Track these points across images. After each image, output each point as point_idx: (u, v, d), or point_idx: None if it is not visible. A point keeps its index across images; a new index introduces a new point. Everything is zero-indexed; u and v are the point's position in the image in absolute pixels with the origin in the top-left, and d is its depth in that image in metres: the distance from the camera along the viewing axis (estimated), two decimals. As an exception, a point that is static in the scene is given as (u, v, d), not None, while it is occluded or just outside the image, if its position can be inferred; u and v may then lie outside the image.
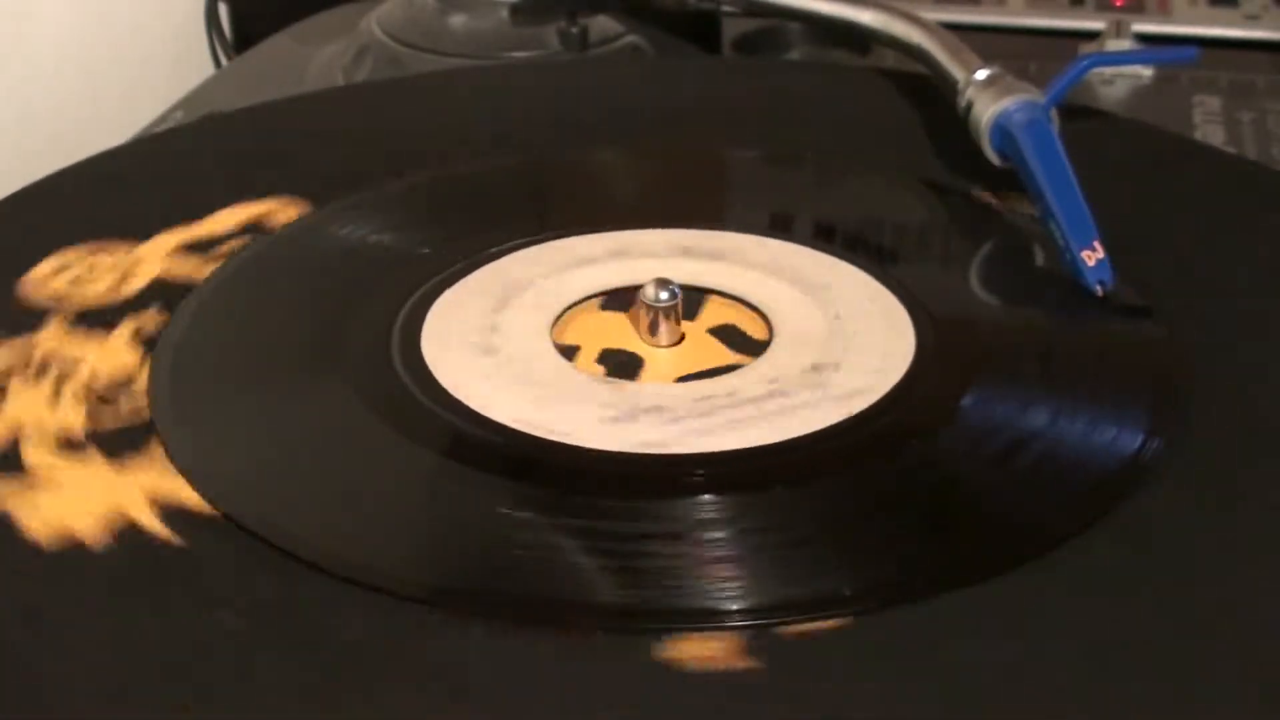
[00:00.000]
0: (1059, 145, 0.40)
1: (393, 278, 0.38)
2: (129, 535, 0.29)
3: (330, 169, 0.44)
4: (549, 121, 0.48)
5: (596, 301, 0.38)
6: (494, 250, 0.40)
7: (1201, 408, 0.33)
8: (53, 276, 0.36)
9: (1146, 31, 0.60)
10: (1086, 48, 0.59)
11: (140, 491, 0.30)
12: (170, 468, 0.30)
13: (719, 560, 0.29)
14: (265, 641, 0.27)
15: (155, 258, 0.37)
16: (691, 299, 0.37)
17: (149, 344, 0.35)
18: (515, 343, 0.36)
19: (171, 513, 0.29)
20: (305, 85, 0.56)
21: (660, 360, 0.36)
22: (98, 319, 0.36)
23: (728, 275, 0.39)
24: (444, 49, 0.56)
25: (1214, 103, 0.55)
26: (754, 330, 0.37)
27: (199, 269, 0.37)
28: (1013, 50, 0.59)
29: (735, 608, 0.27)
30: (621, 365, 0.36)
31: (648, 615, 0.27)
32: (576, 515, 0.30)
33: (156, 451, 0.31)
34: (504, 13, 0.58)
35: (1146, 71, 0.57)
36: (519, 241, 0.40)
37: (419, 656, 0.26)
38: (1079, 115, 0.46)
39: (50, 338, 0.34)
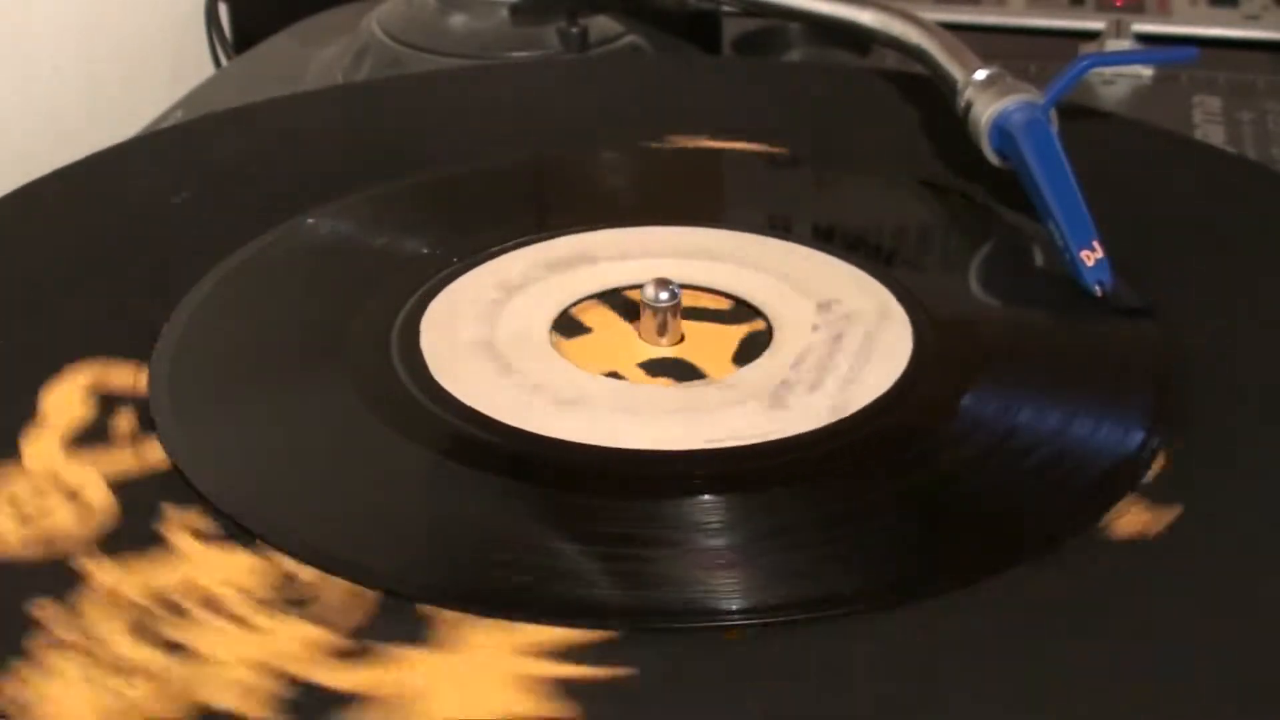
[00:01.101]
0: (1058, 145, 0.40)
1: (393, 278, 0.38)
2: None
3: (329, 169, 0.44)
4: (549, 121, 0.48)
5: (596, 301, 0.38)
6: (494, 250, 0.40)
7: (1201, 408, 0.33)
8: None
9: (1146, 31, 0.60)
10: (1086, 48, 0.59)
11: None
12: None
13: (719, 560, 0.29)
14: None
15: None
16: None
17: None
18: (515, 342, 0.36)
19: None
20: (305, 85, 0.56)
21: (660, 360, 0.36)
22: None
23: (727, 275, 0.39)
24: (444, 49, 0.56)
25: (1214, 103, 0.55)
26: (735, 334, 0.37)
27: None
28: (1013, 50, 0.59)
29: (735, 607, 0.27)
30: (620, 364, 0.36)
31: (648, 615, 0.27)
32: (576, 515, 0.30)
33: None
34: (504, 13, 0.58)
35: (1146, 71, 0.57)
36: (519, 241, 0.40)
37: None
38: (1079, 115, 0.46)
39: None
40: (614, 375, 0.35)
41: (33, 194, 0.42)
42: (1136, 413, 0.32)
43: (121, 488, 0.31)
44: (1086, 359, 0.35)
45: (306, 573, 0.28)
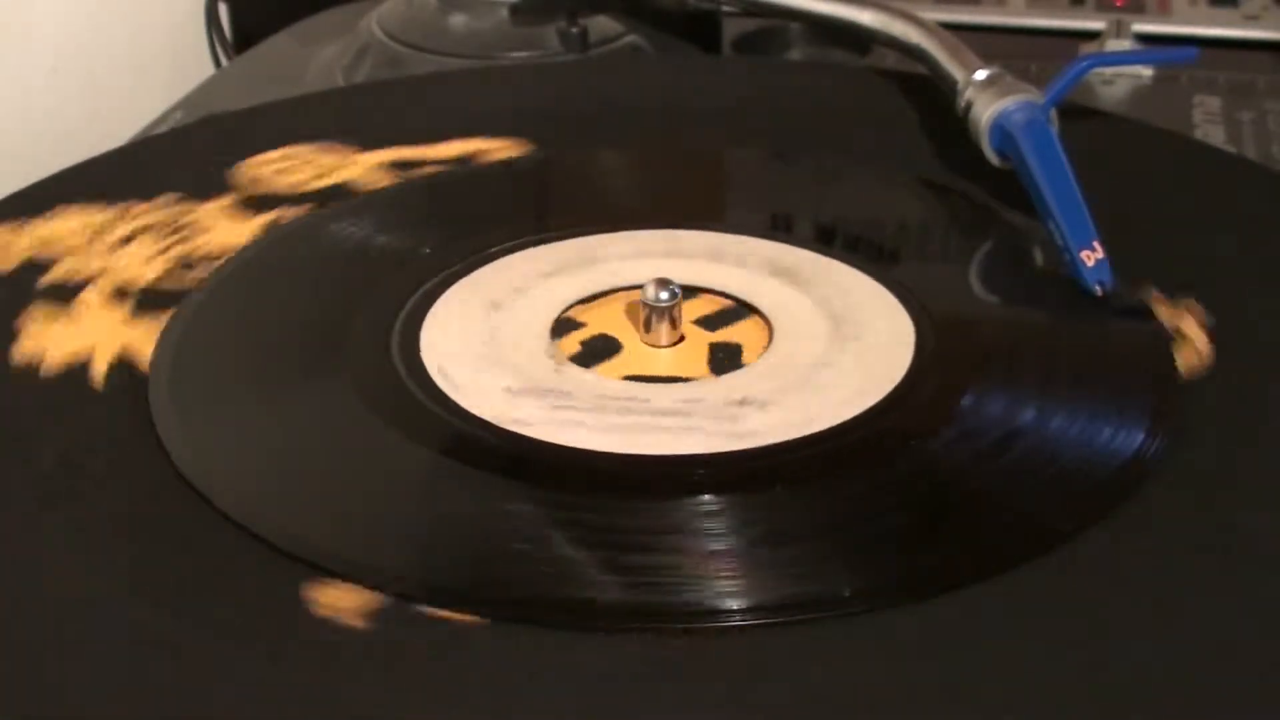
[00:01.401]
0: (1058, 145, 0.40)
1: (393, 278, 0.38)
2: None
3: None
4: (549, 121, 0.48)
5: (596, 301, 0.38)
6: (494, 250, 0.40)
7: (1201, 408, 0.33)
8: (268, 165, 0.38)
9: (1146, 31, 0.60)
10: (1086, 48, 0.60)
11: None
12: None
13: (719, 560, 0.29)
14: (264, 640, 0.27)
15: (361, 166, 0.38)
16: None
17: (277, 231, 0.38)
18: (515, 343, 0.36)
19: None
20: (305, 85, 0.56)
21: (660, 360, 0.36)
22: (264, 204, 0.38)
23: (727, 275, 0.39)
24: (444, 49, 0.56)
25: (1214, 103, 0.55)
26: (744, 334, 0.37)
27: (387, 179, 0.40)
28: (1013, 50, 0.59)
29: (735, 607, 0.27)
30: (621, 365, 0.36)
31: (648, 615, 0.27)
32: (576, 515, 0.30)
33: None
34: (504, 13, 0.58)
35: (1146, 71, 0.57)
36: (519, 241, 0.40)
37: (418, 656, 0.26)
38: (1079, 115, 0.46)
39: (208, 212, 0.37)
40: (614, 375, 0.35)
41: (29, 197, 0.42)
42: (1137, 413, 0.32)
43: None
44: (1086, 359, 0.35)
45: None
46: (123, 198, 0.40)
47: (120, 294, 0.35)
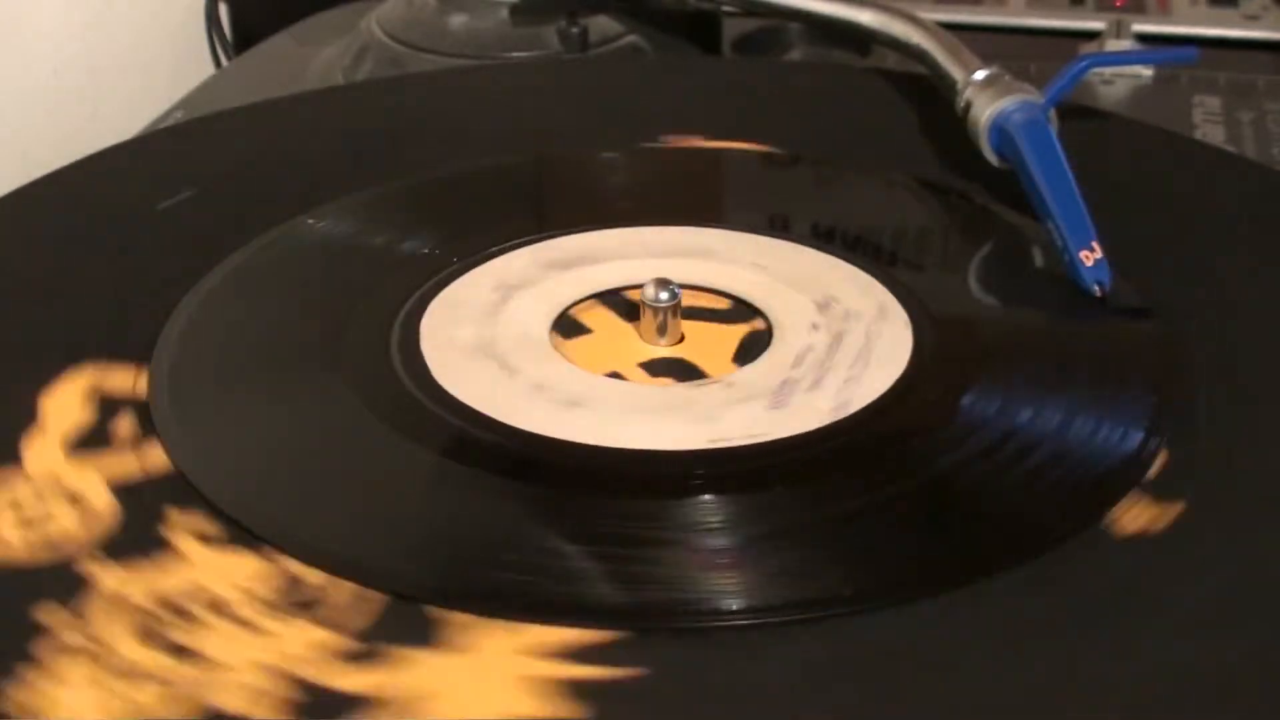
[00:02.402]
0: (1057, 145, 0.40)
1: (393, 278, 0.38)
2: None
3: (329, 168, 0.44)
4: (549, 121, 0.48)
5: (596, 301, 0.38)
6: (494, 250, 0.40)
7: (1201, 408, 0.33)
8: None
9: (1146, 31, 0.60)
10: (1086, 48, 0.60)
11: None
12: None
13: (719, 560, 0.29)
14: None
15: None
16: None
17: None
18: (515, 342, 0.36)
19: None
20: (305, 85, 0.56)
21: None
22: None
23: (727, 275, 0.39)
24: (444, 49, 0.56)
25: (1214, 103, 0.55)
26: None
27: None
28: (1013, 50, 0.59)
29: (735, 607, 0.27)
30: (618, 363, 0.36)
31: (648, 615, 0.27)
32: (576, 515, 0.30)
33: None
34: (504, 13, 0.58)
35: (1146, 71, 0.57)
36: (519, 241, 0.40)
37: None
38: (1079, 115, 0.46)
39: None
40: (615, 375, 0.35)
41: (31, 195, 0.42)
42: (1136, 413, 0.32)
43: (123, 491, 0.31)
44: (1087, 359, 0.35)
45: (313, 575, 0.28)
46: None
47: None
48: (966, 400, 0.33)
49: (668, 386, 0.34)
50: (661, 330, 0.36)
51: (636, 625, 0.27)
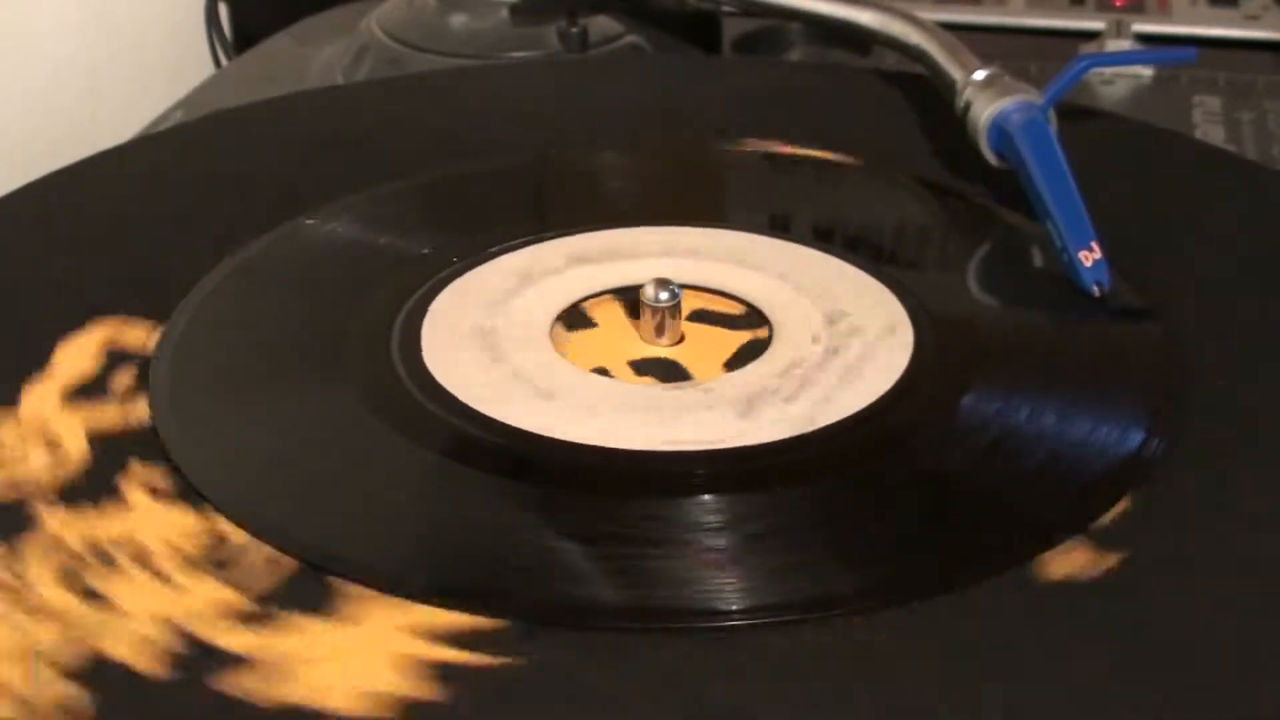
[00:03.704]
0: (1057, 146, 0.40)
1: (393, 278, 0.38)
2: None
3: (329, 168, 0.44)
4: (549, 121, 0.48)
5: (596, 301, 0.38)
6: (494, 250, 0.40)
7: (1201, 408, 0.33)
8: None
9: (1146, 31, 0.60)
10: (1086, 48, 0.60)
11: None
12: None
13: (719, 560, 0.29)
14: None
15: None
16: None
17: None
18: (515, 342, 0.36)
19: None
20: (305, 85, 0.56)
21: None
22: None
23: (727, 275, 0.39)
24: (444, 49, 0.56)
25: (1214, 103, 0.55)
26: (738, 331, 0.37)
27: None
28: (1013, 50, 0.59)
29: (735, 607, 0.27)
30: (612, 362, 0.36)
31: (647, 615, 0.27)
32: (576, 514, 0.30)
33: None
34: (504, 13, 0.58)
35: (1146, 71, 0.57)
36: (519, 241, 0.40)
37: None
38: (1079, 115, 0.46)
39: None
40: (601, 371, 0.35)
41: (29, 197, 0.42)
42: (1136, 413, 0.32)
43: (100, 441, 0.32)
44: (1087, 359, 0.35)
45: (238, 535, 0.29)
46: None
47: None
48: (966, 400, 0.33)
49: (646, 386, 0.34)
50: (660, 330, 0.36)
51: (635, 625, 0.27)
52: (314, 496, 0.31)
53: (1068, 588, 0.28)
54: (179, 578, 0.28)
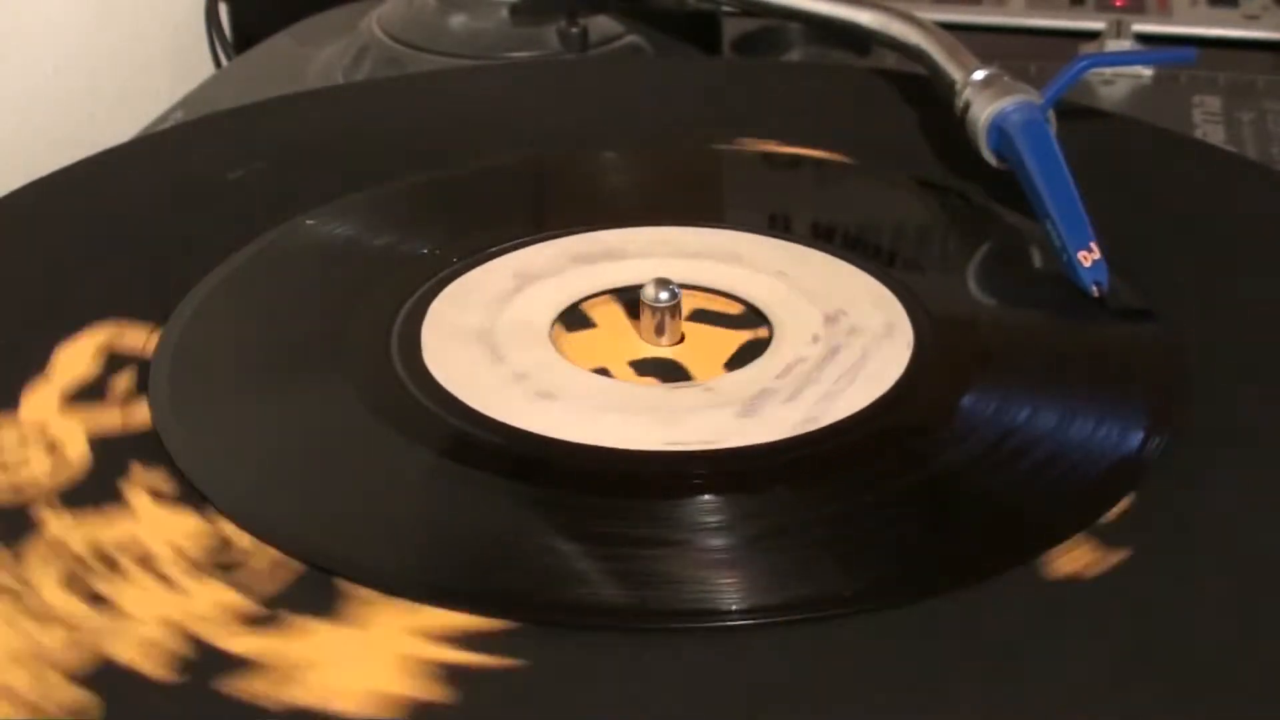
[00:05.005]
0: (1056, 146, 0.40)
1: (393, 278, 0.38)
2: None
3: (330, 168, 0.44)
4: (549, 121, 0.48)
5: (596, 301, 0.38)
6: (494, 250, 0.40)
7: (1201, 408, 0.33)
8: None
9: (1146, 31, 0.60)
10: (1086, 48, 0.60)
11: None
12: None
13: (719, 560, 0.29)
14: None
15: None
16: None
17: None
18: (515, 342, 0.36)
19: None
20: (305, 85, 0.56)
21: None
22: None
23: (727, 275, 0.39)
24: (444, 49, 0.56)
25: (1214, 103, 0.55)
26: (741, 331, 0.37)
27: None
28: (1013, 50, 0.59)
29: (735, 608, 0.27)
30: (612, 362, 0.36)
31: (648, 615, 0.27)
32: (576, 515, 0.30)
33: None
34: (504, 13, 0.58)
35: (1146, 71, 0.57)
36: (519, 241, 0.40)
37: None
38: (1079, 115, 0.46)
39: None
40: (602, 371, 0.35)
41: (29, 197, 0.42)
42: (1136, 413, 0.32)
43: (100, 444, 0.32)
44: (1087, 359, 0.35)
45: (243, 539, 0.29)
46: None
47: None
48: (966, 401, 0.33)
49: (647, 386, 0.34)
50: (660, 330, 0.36)
51: (635, 625, 0.27)
52: (314, 497, 0.31)
53: (1067, 588, 0.28)
54: (184, 581, 0.28)
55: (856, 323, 0.36)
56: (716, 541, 0.29)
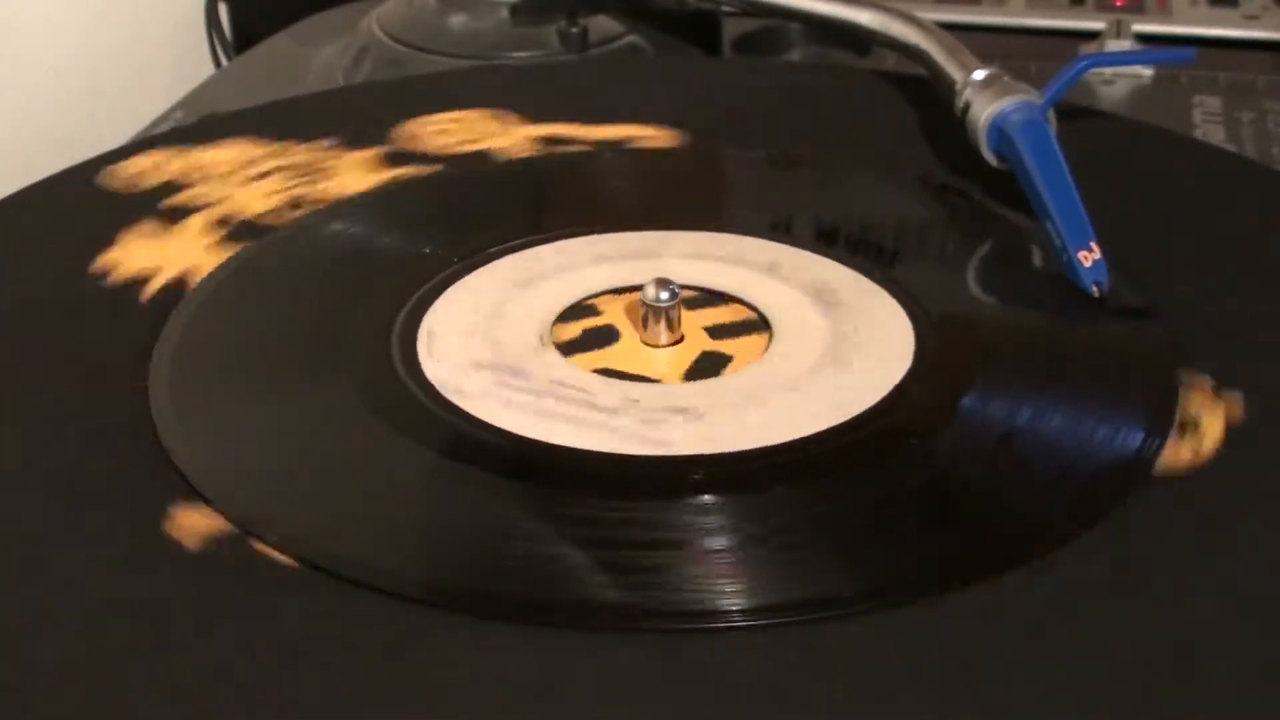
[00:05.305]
0: (1056, 146, 0.40)
1: (393, 278, 0.38)
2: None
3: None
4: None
5: (596, 301, 0.38)
6: (494, 250, 0.40)
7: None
8: (431, 125, 0.41)
9: (1146, 31, 0.60)
10: (1086, 48, 0.60)
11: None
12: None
13: (719, 560, 0.29)
14: (265, 642, 0.27)
15: (513, 137, 0.41)
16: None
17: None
18: (515, 343, 0.36)
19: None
20: (305, 85, 0.56)
21: (660, 360, 0.36)
22: (399, 160, 0.41)
23: (727, 276, 0.39)
24: (444, 49, 0.56)
25: (1214, 103, 0.55)
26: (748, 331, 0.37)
27: (533, 150, 0.42)
28: (1013, 50, 0.59)
29: (735, 608, 0.27)
30: (607, 359, 0.36)
31: (648, 615, 0.27)
32: (576, 515, 0.30)
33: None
34: (504, 13, 0.58)
35: (1146, 71, 0.57)
36: (519, 241, 0.40)
37: (419, 657, 0.26)
38: (1079, 115, 0.46)
39: (348, 162, 0.40)
40: (602, 372, 0.35)
41: (29, 197, 0.42)
42: (1136, 413, 0.32)
43: None
44: (1087, 359, 0.35)
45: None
46: (288, 138, 0.42)
47: (221, 223, 0.37)
48: (966, 401, 0.33)
49: (647, 387, 0.34)
50: (660, 330, 0.36)
51: (635, 626, 0.27)
52: (315, 497, 0.31)
53: (1067, 588, 0.28)
54: None
55: (857, 322, 0.36)
56: (716, 542, 0.29)
